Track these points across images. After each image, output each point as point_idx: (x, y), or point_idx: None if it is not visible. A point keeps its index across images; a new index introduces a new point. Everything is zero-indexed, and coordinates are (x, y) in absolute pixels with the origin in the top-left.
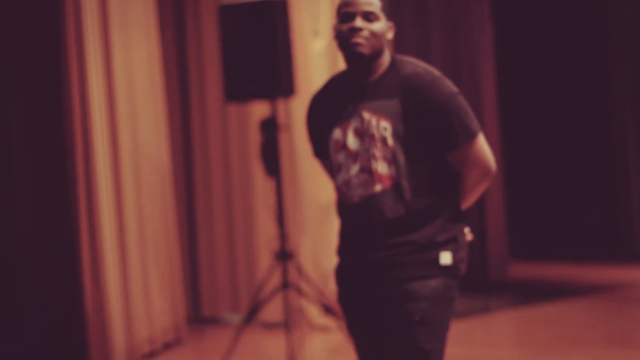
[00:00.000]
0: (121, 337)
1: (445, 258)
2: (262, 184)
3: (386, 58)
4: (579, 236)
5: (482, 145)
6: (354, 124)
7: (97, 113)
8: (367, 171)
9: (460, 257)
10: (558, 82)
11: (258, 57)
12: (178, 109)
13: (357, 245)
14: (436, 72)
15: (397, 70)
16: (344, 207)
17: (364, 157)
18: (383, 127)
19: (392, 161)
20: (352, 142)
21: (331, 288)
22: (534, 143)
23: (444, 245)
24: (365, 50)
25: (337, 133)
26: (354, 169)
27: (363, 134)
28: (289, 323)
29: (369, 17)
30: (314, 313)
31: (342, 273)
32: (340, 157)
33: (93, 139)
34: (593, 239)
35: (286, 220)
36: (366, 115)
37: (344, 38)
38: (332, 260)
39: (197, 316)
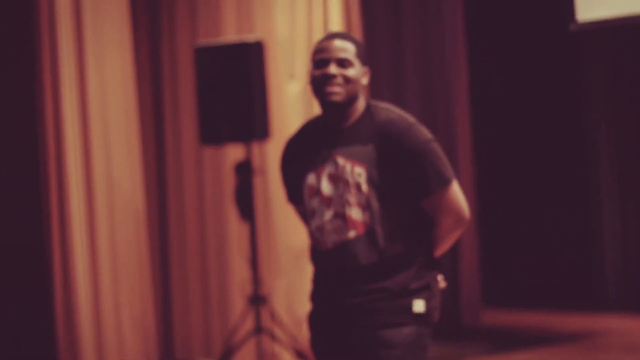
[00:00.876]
0: None
1: (419, 306)
2: (236, 228)
3: (361, 103)
4: (552, 284)
5: (456, 192)
6: (328, 169)
7: (72, 153)
8: (341, 217)
9: (433, 305)
10: (531, 128)
11: (233, 100)
12: (153, 150)
13: (331, 291)
14: (411, 119)
15: (372, 116)
16: (318, 253)
17: (337, 202)
18: (357, 173)
19: (366, 207)
20: (326, 187)
21: (304, 333)
22: (508, 191)
23: (417, 293)
24: (339, 97)
25: (311, 178)
26: (328, 214)
27: (337, 179)
28: None
29: (343, 63)
30: (287, 358)
31: (315, 319)
32: (314, 203)
33: (67, 178)
34: (566, 286)
35: (260, 265)
36: (341, 160)
37: (318, 84)
38: (305, 305)
39: (170, 359)
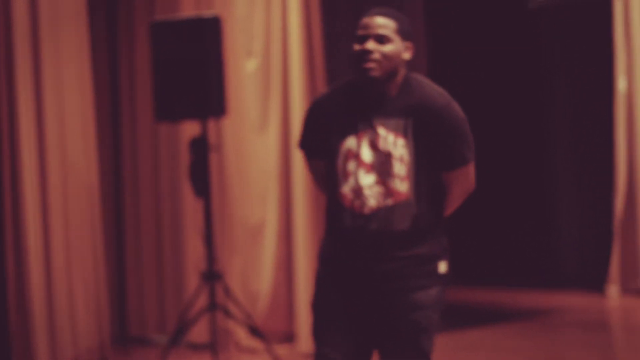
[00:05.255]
0: (45, 356)
1: (443, 267)
2: (191, 204)
3: (401, 76)
4: (509, 262)
5: (472, 170)
6: (368, 136)
7: (26, 131)
8: (382, 184)
9: (449, 265)
10: (489, 105)
11: (189, 76)
12: (108, 127)
13: (361, 255)
14: (447, 95)
15: (412, 89)
16: (349, 214)
17: (379, 170)
18: (399, 144)
19: (405, 177)
20: (366, 154)
21: (259, 309)
22: None
23: (441, 257)
24: (376, 73)
25: (350, 141)
26: (368, 179)
27: (379, 148)
28: (216, 344)
29: (381, 39)
30: (241, 335)
31: (334, 278)
32: (351, 166)
33: (21, 157)
34: (523, 264)
35: (215, 241)
36: (381, 130)
37: (357, 59)
38: (260, 281)
39: (124, 336)
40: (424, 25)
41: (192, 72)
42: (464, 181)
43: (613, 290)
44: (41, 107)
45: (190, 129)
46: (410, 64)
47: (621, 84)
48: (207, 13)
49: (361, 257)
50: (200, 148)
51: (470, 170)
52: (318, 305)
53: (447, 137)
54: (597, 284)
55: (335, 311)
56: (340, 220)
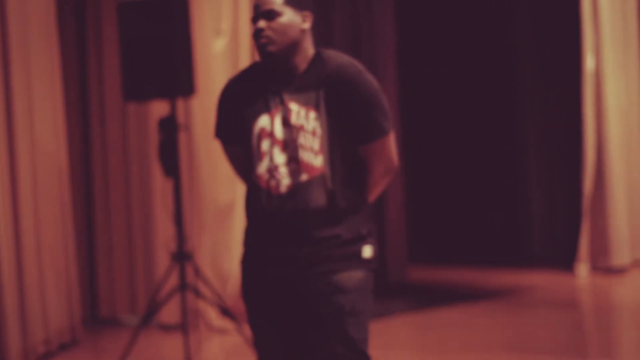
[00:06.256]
0: (16, 337)
1: (367, 252)
2: (161, 184)
3: (309, 49)
4: (478, 240)
5: (391, 142)
6: (280, 113)
7: None
8: (295, 161)
9: (376, 251)
10: (461, 88)
11: (158, 56)
12: (77, 107)
13: (280, 238)
14: (360, 65)
15: (322, 62)
16: (265, 195)
17: (291, 146)
18: (311, 117)
19: (318, 152)
20: (279, 131)
21: (230, 290)
22: (435, 147)
23: (365, 240)
24: (272, 48)
25: (264, 120)
26: (281, 158)
27: (290, 124)
28: (187, 325)
29: (270, 15)
30: (212, 315)
31: (256, 266)
32: (265, 145)
33: None
34: (492, 243)
35: (184, 221)
36: (293, 106)
37: (254, 40)
38: (231, 261)
39: (94, 317)
40: (394, 24)
41: (160, 52)
42: (383, 156)
43: (582, 268)
44: (9, 89)
45: (159, 108)
46: (380, 61)
47: (589, 62)
48: None
49: (281, 242)
50: (169, 128)
51: (390, 143)
52: (247, 295)
53: (361, 106)
54: (566, 263)
55: (264, 301)
56: (257, 203)
